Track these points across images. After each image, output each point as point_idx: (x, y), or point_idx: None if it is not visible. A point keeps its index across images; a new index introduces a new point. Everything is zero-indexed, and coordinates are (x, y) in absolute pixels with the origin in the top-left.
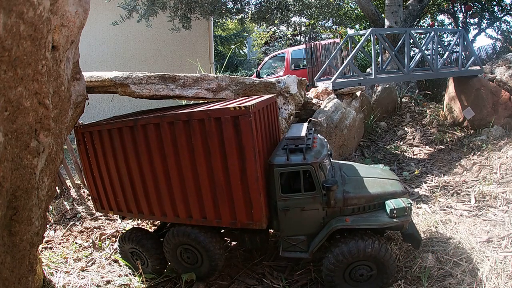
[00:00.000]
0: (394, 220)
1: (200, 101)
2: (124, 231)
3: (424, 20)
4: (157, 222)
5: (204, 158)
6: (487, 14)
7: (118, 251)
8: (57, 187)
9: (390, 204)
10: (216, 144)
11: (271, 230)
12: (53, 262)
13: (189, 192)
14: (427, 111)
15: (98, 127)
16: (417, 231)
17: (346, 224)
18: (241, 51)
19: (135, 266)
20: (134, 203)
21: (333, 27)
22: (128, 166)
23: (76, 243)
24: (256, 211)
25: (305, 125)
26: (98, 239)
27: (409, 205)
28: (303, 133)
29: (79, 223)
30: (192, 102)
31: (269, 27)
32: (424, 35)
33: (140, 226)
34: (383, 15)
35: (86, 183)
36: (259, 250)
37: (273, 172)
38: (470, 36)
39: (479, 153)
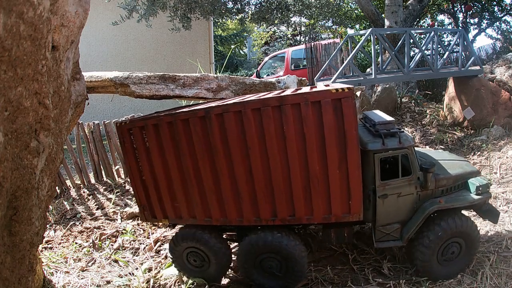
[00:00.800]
0: (480, 197)
1: (200, 101)
2: (178, 230)
3: (424, 20)
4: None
5: (297, 147)
6: (487, 14)
7: (170, 251)
8: (57, 187)
9: (474, 182)
10: (313, 131)
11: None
12: (53, 262)
13: (276, 188)
14: (427, 111)
15: (152, 120)
16: (493, 206)
17: (442, 205)
18: (241, 51)
19: (188, 268)
20: (200, 207)
21: (333, 27)
22: (195, 163)
23: (76, 243)
24: (354, 202)
25: (379, 111)
26: (98, 239)
27: (489, 182)
28: (390, 118)
29: (79, 223)
30: (192, 102)
31: (269, 27)
32: (424, 35)
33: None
34: (383, 15)
35: (133, 189)
36: (343, 244)
37: (371, 158)
38: (470, 36)
39: (479, 153)
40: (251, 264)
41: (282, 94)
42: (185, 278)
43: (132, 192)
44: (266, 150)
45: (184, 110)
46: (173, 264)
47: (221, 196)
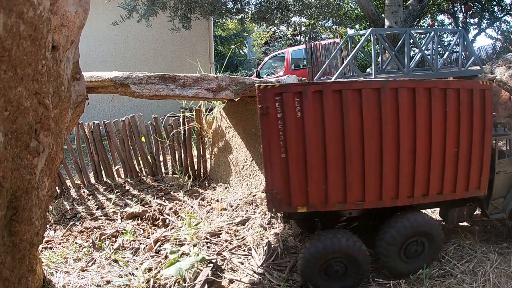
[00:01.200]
0: None
1: (200, 101)
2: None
3: (424, 20)
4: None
5: (454, 127)
6: (487, 14)
7: (301, 268)
8: (57, 187)
9: None
10: (466, 114)
11: None
12: (53, 262)
13: (433, 166)
14: None
15: (315, 86)
16: None
17: None
18: (241, 51)
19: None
20: (354, 189)
21: (333, 27)
22: (360, 139)
23: (76, 243)
24: (484, 178)
25: None
26: (98, 239)
27: None
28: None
29: (79, 223)
30: (192, 102)
31: (269, 27)
32: (424, 35)
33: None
34: (383, 15)
35: (266, 169)
36: (460, 222)
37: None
38: (470, 36)
39: None
40: (399, 246)
41: (445, 80)
42: (186, 278)
43: (133, 192)
44: (430, 128)
45: (352, 80)
46: None
47: (381, 175)
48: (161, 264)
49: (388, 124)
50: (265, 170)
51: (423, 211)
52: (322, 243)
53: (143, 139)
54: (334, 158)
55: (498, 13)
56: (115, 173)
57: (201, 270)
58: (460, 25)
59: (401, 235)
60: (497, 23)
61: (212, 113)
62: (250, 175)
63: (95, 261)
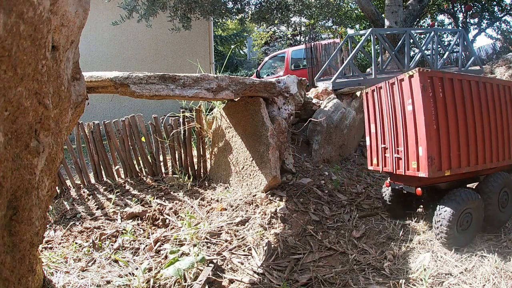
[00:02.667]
0: None
1: (200, 101)
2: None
3: (424, 20)
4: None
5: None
6: (487, 14)
7: (447, 223)
8: (57, 187)
9: None
10: None
11: None
12: (53, 262)
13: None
14: None
15: (449, 75)
16: None
17: None
18: (241, 51)
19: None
20: (472, 155)
21: (333, 27)
22: (473, 118)
23: (76, 243)
24: None
25: None
26: (98, 239)
27: None
28: None
29: (79, 223)
30: (192, 102)
31: (269, 27)
32: (424, 35)
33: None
34: (383, 15)
35: (426, 139)
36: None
37: None
38: (470, 36)
39: None
40: (497, 197)
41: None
42: (187, 279)
43: (133, 192)
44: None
45: (468, 74)
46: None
47: (484, 145)
48: (161, 264)
49: (484, 107)
50: (426, 139)
51: None
52: (461, 197)
53: (143, 139)
54: (462, 130)
55: (498, 13)
56: (115, 173)
57: (201, 270)
58: (460, 25)
59: (498, 186)
60: (497, 23)
61: (212, 113)
62: (250, 175)
63: (95, 261)
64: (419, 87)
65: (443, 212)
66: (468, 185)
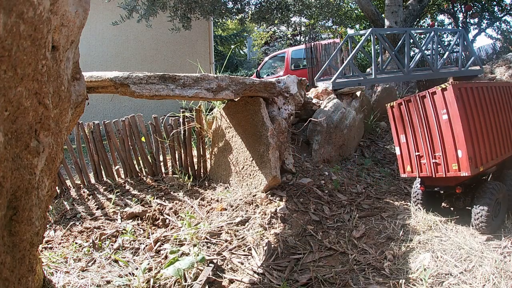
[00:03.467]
0: None
1: (200, 101)
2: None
3: (424, 20)
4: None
5: None
6: (487, 14)
7: (486, 213)
8: (57, 187)
9: None
10: None
11: None
12: (53, 262)
13: None
14: None
15: (471, 84)
16: None
17: None
18: (241, 51)
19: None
20: (495, 151)
21: (333, 27)
22: (492, 120)
23: (76, 243)
24: None
25: None
26: (98, 239)
27: None
28: None
29: (79, 223)
30: (192, 102)
31: (269, 27)
32: (424, 35)
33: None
34: (383, 15)
35: (465, 140)
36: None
37: None
38: (470, 36)
39: None
40: None
41: None
42: (187, 279)
43: (133, 192)
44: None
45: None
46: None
47: (505, 138)
48: (161, 264)
49: (502, 108)
50: (465, 143)
51: None
52: (493, 189)
53: (143, 139)
54: (488, 131)
55: (498, 13)
56: (115, 173)
57: (201, 270)
58: (460, 25)
59: None
60: (497, 23)
61: (212, 113)
62: (250, 175)
63: (95, 261)
64: (453, 98)
65: (481, 205)
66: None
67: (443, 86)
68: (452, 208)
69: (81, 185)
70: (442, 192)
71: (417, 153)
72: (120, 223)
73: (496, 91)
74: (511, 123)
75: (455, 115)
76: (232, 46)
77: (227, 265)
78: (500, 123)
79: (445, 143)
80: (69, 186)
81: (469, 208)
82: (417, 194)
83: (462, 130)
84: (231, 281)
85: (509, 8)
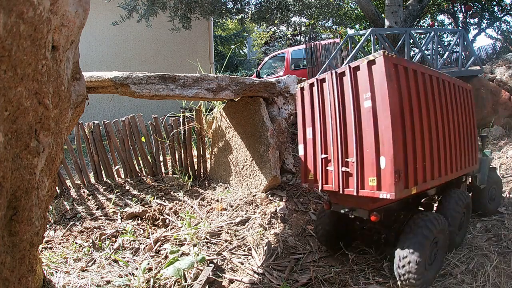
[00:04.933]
0: None
1: (200, 101)
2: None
3: (424, 20)
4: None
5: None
6: (487, 14)
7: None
8: (57, 187)
9: None
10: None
11: None
12: (53, 262)
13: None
14: None
15: (422, 69)
16: None
17: None
18: (241, 51)
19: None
20: (439, 165)
21: (333, 27)
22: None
23: (76, 243)
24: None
25: None
26: (98, 239)
27: None
28: None
29: (79, 223)
30: (192, 102)
31: (269, 27)
32: (424, 35)
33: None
34: (383, 15)
35: (392, 147)
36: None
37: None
38: (470, 36)
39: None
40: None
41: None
42: (187, 279)
43: (133, 192)
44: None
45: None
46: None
47: (452, 149)
48: (161, 264)
49: (448, 107)
50: (392, 147)
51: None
52: (430, 224)
53: (143, 139)
54: (429, 135)
55: (498, 13)
56: (115, 173)
57: (201, 270)
58: (460, 25)
59: (463, 206)
60: (497, 23)
61: (212, 113)
62: (250, 175)
63: (95, 261)
64: (384, 76)
65: (410, 247)
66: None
67: (370, 57)
68: (367, 247)
69: (81, 185)
70: (353, 218)
71: (323, 155)
72: (120, 223)
73: (449, 87)
74: (466, 133)
75: (383, 101)
76: (232, 46)
77: (227, 265)
78: (450, 127)
79: (363, 143)
80: (69, 186)
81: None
82: (322, 215)
83: (391, 126)
84: (231, 281)
85: (509, 8)
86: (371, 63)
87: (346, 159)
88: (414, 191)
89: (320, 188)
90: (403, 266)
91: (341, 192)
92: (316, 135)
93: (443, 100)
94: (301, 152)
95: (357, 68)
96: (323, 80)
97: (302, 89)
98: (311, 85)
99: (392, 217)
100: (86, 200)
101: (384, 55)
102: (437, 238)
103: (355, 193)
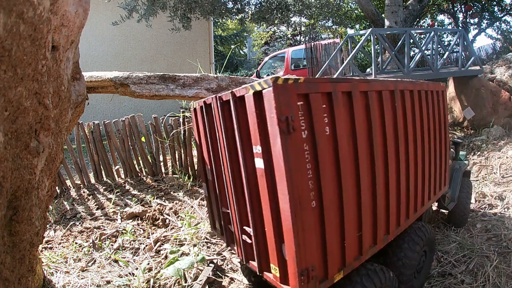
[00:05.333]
0: None
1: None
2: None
3: (424, 20)
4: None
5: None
6: (487, 14)
7: None
8: (57, 187)
9: None
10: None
11: None
12: (53, 262)
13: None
14: None
15: (346, 86)
16: None
17: None
18: (241, 51)
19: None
20: (380, 229)
21: (333, 27)
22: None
23: (76, 243)
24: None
25: None
26: (98, 239)
27: None
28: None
29: (79, 223)
30: (191, 102)
31: (269, 27)
32: (424, 35)
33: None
34: (383, 15)
35: (295, 238)
36: None
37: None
38: (470, 36)
39: (479, 153)
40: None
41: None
42: (187, 279)
43: (133, 192)
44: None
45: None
46: None
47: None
48: (161, 264)
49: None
50: (295, 238)
51: None
52: (370, 282)
53: (143, 139)
54: (361, 192)
55: (498, 13)
56: (115, 173)
57: (201, 270)
58: (460, 25)
59: (420, 249)
60: (497, 23)
61: None
62: None
63: (95, 261)
64: (275, 122)
65: None
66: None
67: (256, 86)
68: None
69: (81, 185)
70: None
71: (224, 209)
72: (120, 223)
73: (412, 99)
74: (436, 150)
75: (279, 165)
76: (232, 46)
77: (227, 265)
78: (410, 157)
79: (263, 213)
80: (69, 186)
81: None
82: (243, 267)
83: (290, 207)
84: (231, 281)
85: (509, 8)
86: (257, 95)
87: (243, 227)
88: (338, 277)
89: (225, 244)
90: None
91: (244, 262)
92: (214, 177)
93: (400, 121)
94: (205, 191)
95: (242, 98)
96: (209, 106)
97: (195, 110)
98: (201, 107)
99: None
100: (86, 200)
101: (274, 84)
102: None
103: (258, 272)
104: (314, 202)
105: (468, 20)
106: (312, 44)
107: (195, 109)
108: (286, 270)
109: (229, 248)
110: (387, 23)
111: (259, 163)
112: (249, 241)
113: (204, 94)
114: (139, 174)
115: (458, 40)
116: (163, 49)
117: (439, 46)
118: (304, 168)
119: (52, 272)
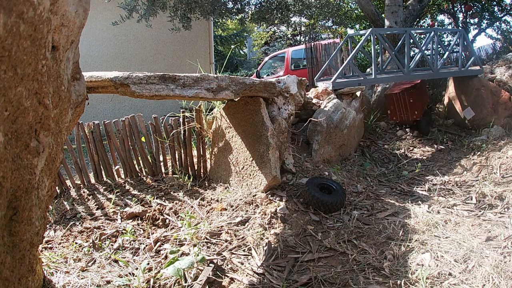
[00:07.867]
0: None
1: (200, 101)
2: None
3: (424, 20)
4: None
5: None
6: (487, 14)
7: None
8: (57, 187)
9: None
10: None
11: None
12: (53, 262)
13: None
14: None
15: None
16: None
17: None
18: (241, 51)
19: None
20: None
21: (333, 27)
22: None
23: (76, 243)
24: None
25: None
26: (98, 239)
27: None
28: None
29: (79, 223)
30: (191, 102)
31: (269, 27)
32: (424, 35)
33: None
34: (383, 15)
35: None
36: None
37: None
38: (470, 36)
39: (479, 153)
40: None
41: None
42: (187, 279)
43: (133, 192)
44: None
45: None
46: None
47: None
48: (161, 264)
49: None
50: None
51: None
52: None
53: (143, 139)
54: None
55: (498, 13)
56: (115, 173)
57: (201, 270)
58: (460, 25)
59: None
60: (497, 23)
61: (212, 113)
62: (250, 175)
63: (95, 261)
64: None
65: None
66: None
67: None
68: None
69: (81, 185)
70: None
71: None
72: (120, 223)
73: None
74: None
75: None
76: (232, 46)
77: (227, 265)
78: None
79: None
80: (69, 186)
81: None
82: None
83: None
84: (231, 281)
85: (509, 8)
86: None
87: None
88: None
89: None
90: None
91: None
92: None
93: None
94: None
95: None
96: None
97: None
98: None
99: None
100: (86, 200)
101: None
102: None
103: None
104: None
105: (468, 20)
106: (312, 44)
107: None
108: None
109: (229, 248)
110: (387, 23)
111: None
112: None
113: (204, 94)
114: (139, 174)
115: (458, 40)
116: (163, 49)
117: (439, 46)
118: None
119: (52, 272)
